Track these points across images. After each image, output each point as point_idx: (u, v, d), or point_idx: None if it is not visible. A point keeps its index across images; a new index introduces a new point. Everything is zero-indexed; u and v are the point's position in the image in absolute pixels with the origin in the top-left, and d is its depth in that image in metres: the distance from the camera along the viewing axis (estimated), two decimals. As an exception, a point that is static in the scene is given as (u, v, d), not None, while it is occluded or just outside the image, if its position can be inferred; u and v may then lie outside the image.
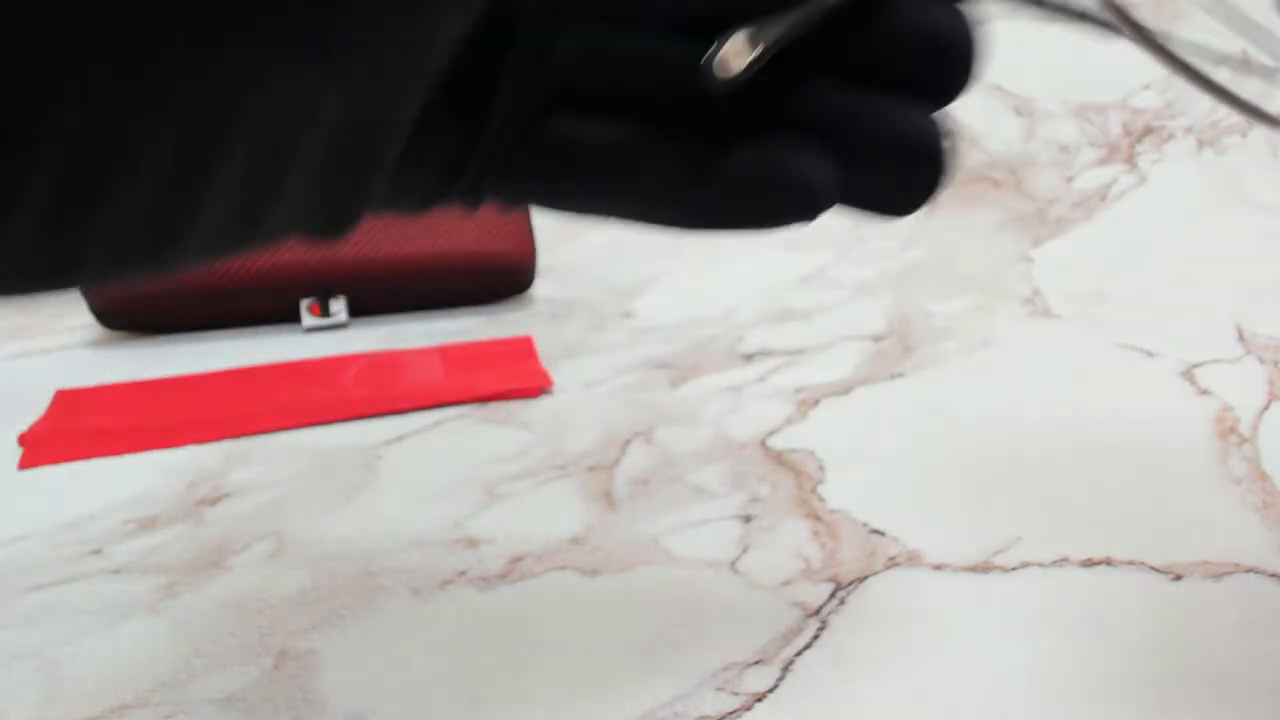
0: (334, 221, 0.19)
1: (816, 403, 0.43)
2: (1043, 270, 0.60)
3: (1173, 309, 0.52)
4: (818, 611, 0.29)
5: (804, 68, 0.21)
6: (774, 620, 0.29)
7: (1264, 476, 0.35)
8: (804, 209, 0.21)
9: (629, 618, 0.29)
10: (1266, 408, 0.41)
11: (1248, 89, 0.24)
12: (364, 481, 0.37)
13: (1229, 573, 0.30)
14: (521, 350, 0.49)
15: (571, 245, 0.67)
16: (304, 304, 0.53)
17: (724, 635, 0.28)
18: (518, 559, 0.32)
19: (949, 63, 0.21)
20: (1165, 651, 0.27)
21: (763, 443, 0.39)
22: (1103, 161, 0.78)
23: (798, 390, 0.44)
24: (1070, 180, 0.76)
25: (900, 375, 0.45)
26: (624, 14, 0.20)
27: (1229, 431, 0.39)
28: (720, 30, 0.19)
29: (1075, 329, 0.51)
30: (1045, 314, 0.53)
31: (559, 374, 0.46)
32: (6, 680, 0.27)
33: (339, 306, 0.53)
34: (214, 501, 0.36)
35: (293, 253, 0.53)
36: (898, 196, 0.23)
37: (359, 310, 0.54)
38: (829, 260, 0.62)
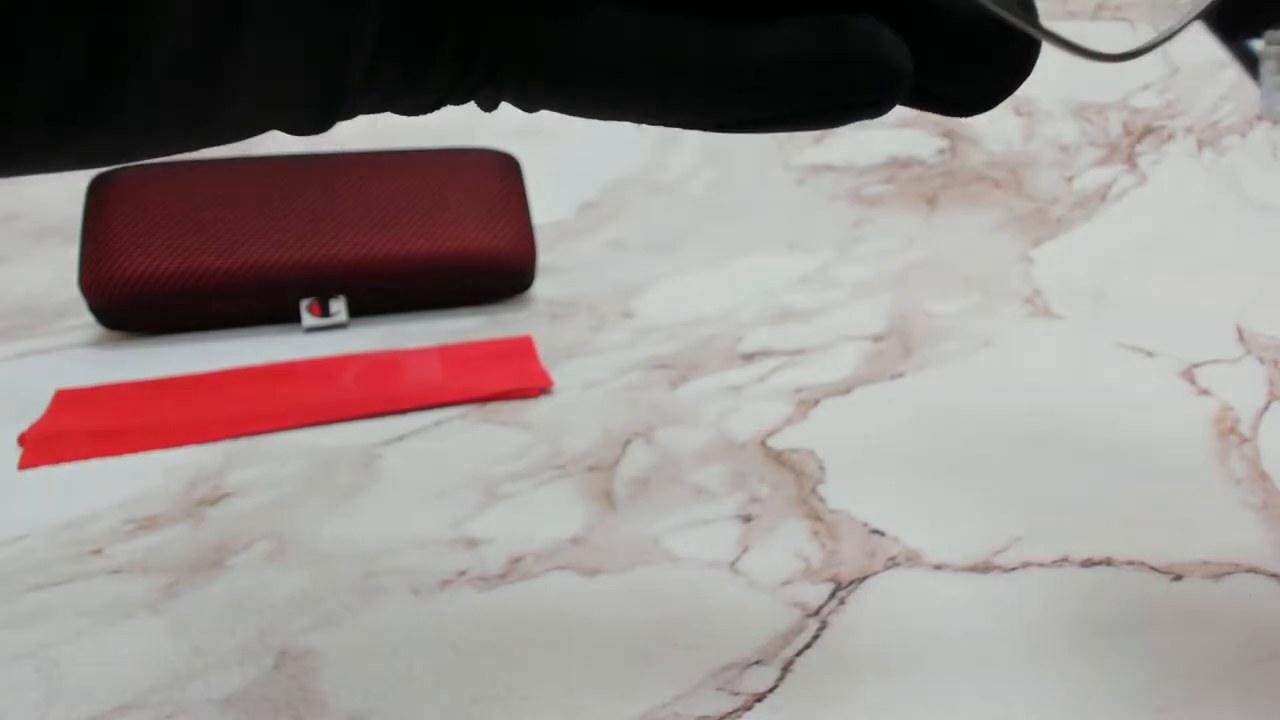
0: (318, 106, 0.18)
1: (816, 403, 0.43)
2: (1043, 270, 0.60)
3: (1173, 309, 0.52)
4: (818, 611, 0.29)
5: None
6: (774, 620, 0.29)
7: (1264, 476, 0.35)
8: (884, 90, 0.19)
9: (629, 618, 0.29)
10: (1266, 408, 0.41)
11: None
12: (364, 481, 0.37)
13: (1229, 573, 0.30)
14: (521, 350, 0.49)
15: (571, 245, 0.67)
16: (304, 304, 0.53)
17: (724, 635, 0.28)
18: (518, 559, 0.32)
19: None
20: (1165, 651, 0.27)
21: (763, 443, 0.39)
22: (1103, 161, 0.78)
23: (798, 390, 0.44)
24: (1070, 180, 0.76)
25: (900, 375, 0.45)
26: None
27: (1229, 431, 0.39)
28: None
29: (1075, 329, 0.51)
30: (1045, 314, 0.53)
31: (559, 374, 0.46)
32: (6, 680, 0.27)
33: (339, 306, 0.53)
34: (214, 501, 0.36)
35: (293, 253, 0.53)
36: (979, 86, 0.20)
37: (359, 310, 0.54)
38: (829, 260, 0.62)
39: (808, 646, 0.27)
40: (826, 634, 0.28)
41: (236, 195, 0.54)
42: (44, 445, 0.40)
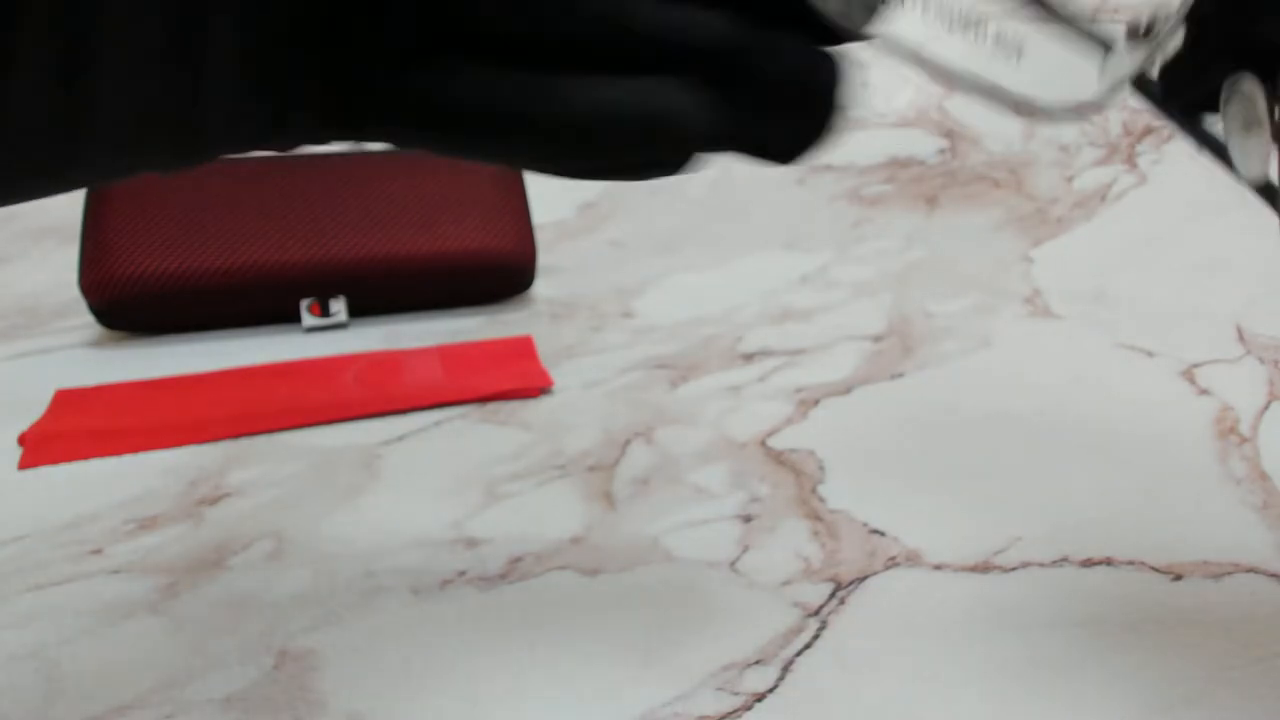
0: (176, 151, 0.19)
1: (816, 403, 0.43)
2: (1043, 270, 0.60)
3: (1173, 309, 0.52)
4: (818, 611, 0.29)
5: None
6: (774, 620, 0.29)
7: (1264, 476, 0.35)
8: (671, 147, 0.21)
9: (629, 618, 0.29)
10: (1266, 408, 0.41)
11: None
12: (364, 481, 0.37)
13: (1229, 573, 0.30)
14: (521, 350, 0.49)
15: (571, 245, 0.67)
16: (304, 304, 0.53)
17: (724, 635, 0.28)
18: (518, 559, 0.32)
19: None
20: (1165, 651, 0.27)
21: (763, 443, 0.39)
22: (1103, 161, 0.78)
23: (798, 390, 0.44)
24: (1070, 180, 0.76)
25: (900, 375, 0.45)
26: None
27: (1229, 431, 0.39)
28: None
29: (1075, 329, 0.51)
30: (1045, 314, 0.53)
31: (559, 374, 0.46)
32: (6, 680, 0.27)
33: (339, 306, 0.53)
34: (214, 501, 0.36)
35: (293, 253, 0.53)
36: (783, 136, 0.21)
37: (359, 310, 0.54)
38: (829, 260, 0.62)
39: (808, 646, 0.27)
40: (826, 634, 0.28)
41: (236, 195, 0.54)
42: (44, 445, 0.40)
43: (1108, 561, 0.31)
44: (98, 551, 0.33)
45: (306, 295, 0.53)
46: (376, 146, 0.59)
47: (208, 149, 0.19)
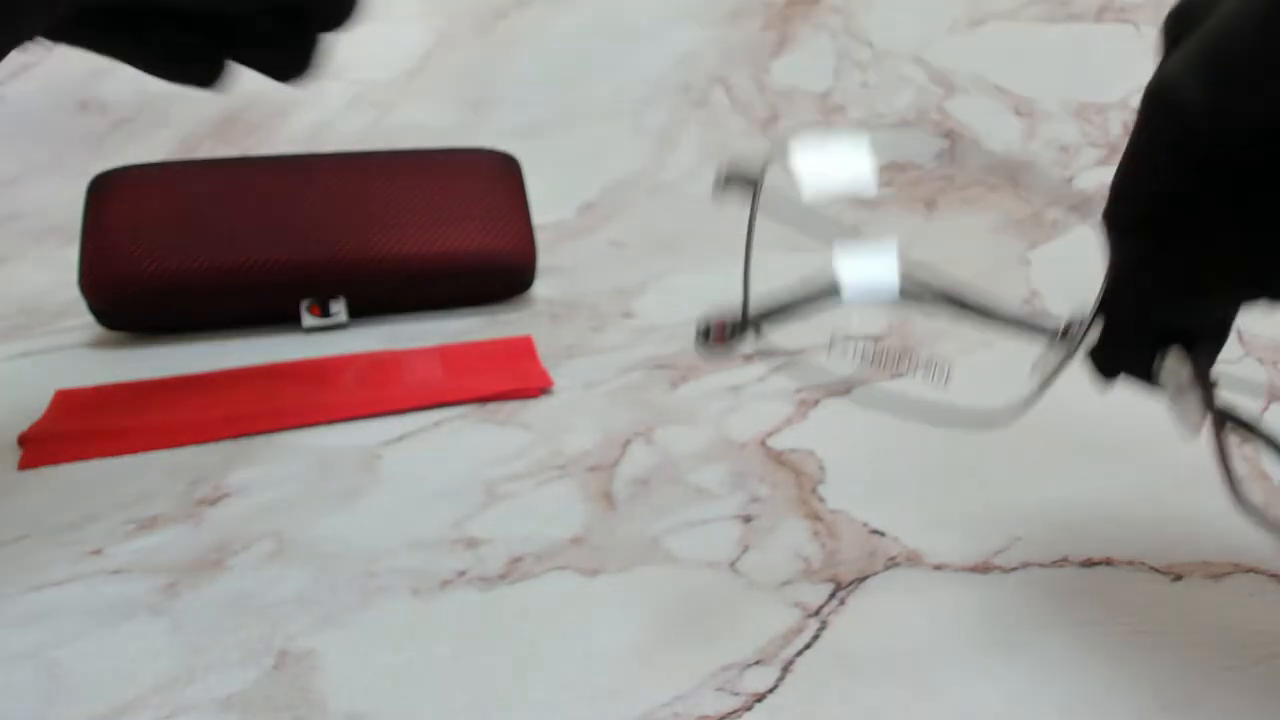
0: None
1: (816, 403, 0.43)
2: (1041, 271, 0.60)
3: (1172, 309, 0.52)
4: (818, 611, 0.29)
5: None
6: (774, 620, 0.29)
7: (1264, 476, 0.35)
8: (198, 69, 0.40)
9: (629, 618, 0.29)
10: (1266, 408, 0.41)
11: None
12: (364, 481, 0.37)
13: (1229, 573, 0.30)
14: (521, 350, 0.49)
15: (571, 245, 0.67)
16: (304, 304, 0.53)
17: (724, 635, 0.28)
18: (518, 559, 0.32)
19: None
20: (1165, 651, 0.27)
21: (763, 443, 0.39)
22: (1103, 162, 0.78)
23: (798, 390, 0.44)
24: (1070, 180, 0.76)
25: (900, 376, 0.45)
26: None
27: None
28: None
29: (1075, 329, 0.51)
30: (1044, 314, 0.53)
31: (559, 374, 0.46)
32: (6, 680, 0.27)
33: (339, 307, 0.53)
34: (214, 501, 0.36)
35: (293, 253, 0.53)
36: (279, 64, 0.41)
37: (359, 310, 0.54)
38: (829, 260, 0.62)
39: (808, 646, 0.27)
40: (826, 634, 0.28)
41: (236, 195, 0.54)
42: (44, 445, 0.40)
43: (1108, 561, 0.31)
44: (98, 552, 0.33)
45: (306, 295, 0.53)
46: (376, 148, 0.59)
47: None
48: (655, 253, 0.65)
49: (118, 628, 0.29)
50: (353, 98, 0.81)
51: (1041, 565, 0.31)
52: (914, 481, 0.36)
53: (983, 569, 0.31)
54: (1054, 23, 0.87)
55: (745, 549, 0.32)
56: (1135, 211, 0.23)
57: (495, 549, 0.32)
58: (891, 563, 0.31)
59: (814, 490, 0.36)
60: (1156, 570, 0.30)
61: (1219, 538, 0.32)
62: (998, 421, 0.27)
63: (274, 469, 0.38)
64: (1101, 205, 0.25)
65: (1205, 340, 0.25)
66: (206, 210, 0.53)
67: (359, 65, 0.81)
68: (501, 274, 0.56)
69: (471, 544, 0.33)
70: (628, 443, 0.40)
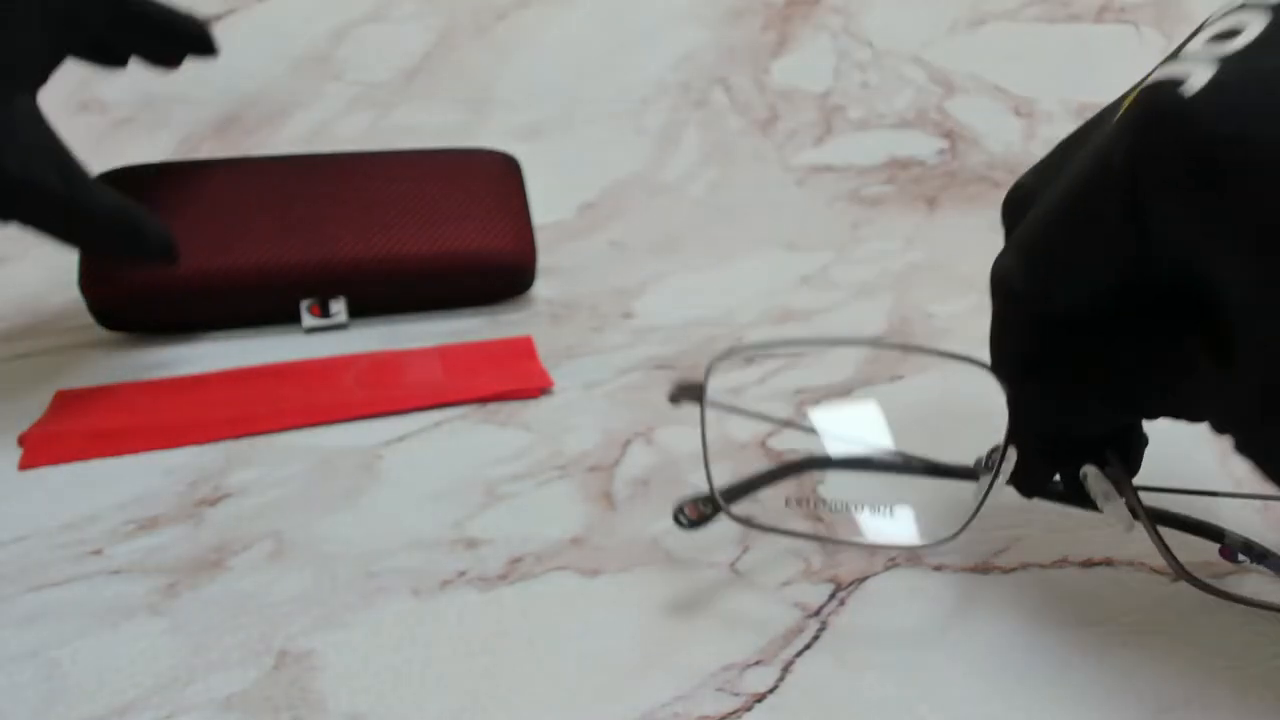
0: None
1: (816, 404, 0.43)
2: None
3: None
4: (818, 611, 0.29)
5: None
6: (774, 620, 0.29)
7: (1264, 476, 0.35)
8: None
9: (629, 618, 0.29)
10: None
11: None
12: (364, 481, 0.37)
13: (1229, 573, 0.30)
14: (521, 350, 0.49)
15: (571, 245, 0.67)
16: (304, 304, 0.53)
17: (724, 635, 0.28)
18: (518, 559, 0.32)
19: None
20: (1165, 651, 0.27)
21: (763, 443, 0.39)
22: (1103, 162, 0.78)
23: (798, 391, 0.44)
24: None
25: (900, 377, 0.45)
26: None
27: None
28: None
29: (1075, 329, 0.51)
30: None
31: (559, 374, 0.46)
32: (6, 680, 0.27)
33: (339, 307, 0.53)
34: (214, 501, 0.36)
35: (293, 253, 0.53)
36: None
37: (359, 310, 0.54)
38: (829, 260, 0.62)
39: (808, 647, 0.28)
40: (826, 634, 0.28)
41: (236, 196, 0.54)
42: (44, 445, 0.40)
43: (1108, 561, 0.31)
44: (98, 552, 0.33)
45: (306, 295, 0.53)
46: (376, 148, 0.59)
47: None
48: (655, 253, 0.65)
49: (118, 628, 0.29)
50: (353, 98, 0.81)
51: (1041, 565, 0.31)
52: (914, 482, 0.36)
53: (982, 569, 0.31)
54: (1054, 23, 0.87)
55: (745, 549, 0.32)
56: (1004, 367, 0.28)
57: (495, 549, 0.32)
58: (891, 563, 0.31)
59: (814, 490, 0.36)
60: (1156, 570, 0.30)
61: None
62: (932, 548, 0.31)
63: (274, 469, 0.38)
64: None
65: (1117, 451, 0.28)
66: (206, 210, 0.53)
67: (359, 65, 0.81)
68: (502, 274, 0.56)
69: (471, 544, 0.33)
70: (628, 443, 0.40)
